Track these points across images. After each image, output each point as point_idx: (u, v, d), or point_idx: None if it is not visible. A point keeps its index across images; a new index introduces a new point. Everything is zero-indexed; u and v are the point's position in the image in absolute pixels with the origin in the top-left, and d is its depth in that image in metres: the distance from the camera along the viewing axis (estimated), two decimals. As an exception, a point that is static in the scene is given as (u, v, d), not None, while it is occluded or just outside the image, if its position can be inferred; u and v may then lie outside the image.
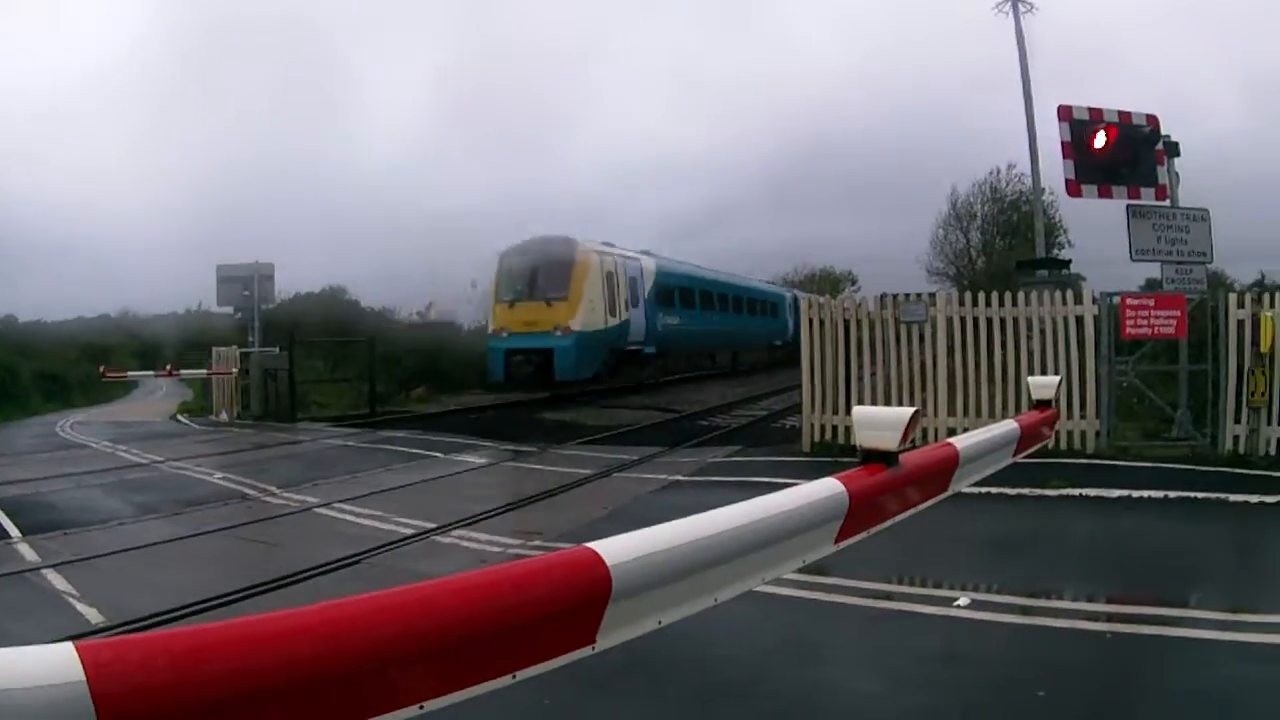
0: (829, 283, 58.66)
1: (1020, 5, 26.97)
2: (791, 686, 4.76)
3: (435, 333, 37.25)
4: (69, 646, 1.14)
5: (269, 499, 10.99)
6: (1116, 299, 11.90)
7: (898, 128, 72.31)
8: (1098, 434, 11.87)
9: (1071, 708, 4.44)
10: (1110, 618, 5.65)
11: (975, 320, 12.67)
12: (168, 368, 29.38)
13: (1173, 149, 12.49)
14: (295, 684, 1.31)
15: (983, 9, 28.87)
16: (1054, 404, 5.00)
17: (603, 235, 28.31)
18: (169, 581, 7.27)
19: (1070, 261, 19.40)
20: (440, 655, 1.52)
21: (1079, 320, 12.07)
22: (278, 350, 24.60)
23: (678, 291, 31.99)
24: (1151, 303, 11.75)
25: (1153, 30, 69.14)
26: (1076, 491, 9.38)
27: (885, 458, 2.77)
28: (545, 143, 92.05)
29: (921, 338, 12.99)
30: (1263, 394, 11.05)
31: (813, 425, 13.40)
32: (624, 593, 1.80)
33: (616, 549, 1.83)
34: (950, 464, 3.31)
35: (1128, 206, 12.26)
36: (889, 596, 6.20)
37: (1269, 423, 11.13)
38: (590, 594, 1.76)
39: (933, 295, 13.97)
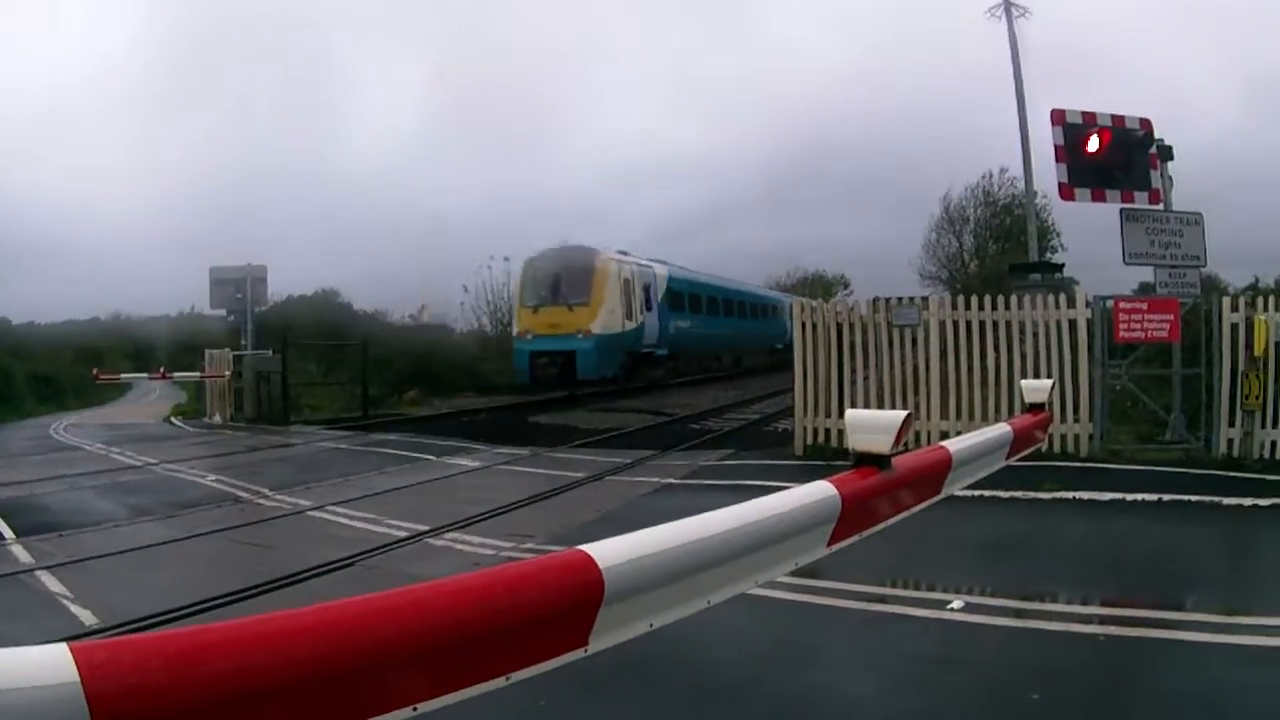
0: (821, 286, 58.71)
1: (1013, 9, 26.95)
2: (785, 689, 4.76)
3: (428, 335, 37.32)
4: (63, 647, 1.14)
5: (262, 501, 10.97)
6: (1110, 303, 11.93)
7: (891, 131, 72.49)
8: (1091, 437, 11.89)
9: (1065, 711, 4.45)
10: (1104, 620, 5.65)
11: (968, 324, 12.69)
12: (161, 370, 29.28)
13: (1166, 153, 12.54)
14: (289, 685, 1.31)
15: (976, 13, 28.89)
16: (1047, 407, 5.02)
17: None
18: (163, 583, 7.26)
19: (1063, 265, 19.53)
20: (433, 657, 1.52)
21: (1072, 324, 12.09)
22: (271, 353, 24.57)
23: (687, 297, 33.67)
24: (1145, 306, 11.78)
25: (1147, 34, 69.43)
26: (1070, 495, 9.39)
27: (878, 461, 2.78)
28: (538, 144, 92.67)
29: (914, 341, 13.01)
30: (1257, 397, 11.08)
31: (805, 429, 13.41)
32: (616, 595, 1.80)
33: (609, 551, 1.83)
34: (943, 467, 3.31)
35: (1121, 210, 12.30)
36: (882, 599, 6.20)
37: (1263, 426, 11.16)
38: (583, 596, 1.76)
39: (925, 299, 14.03)
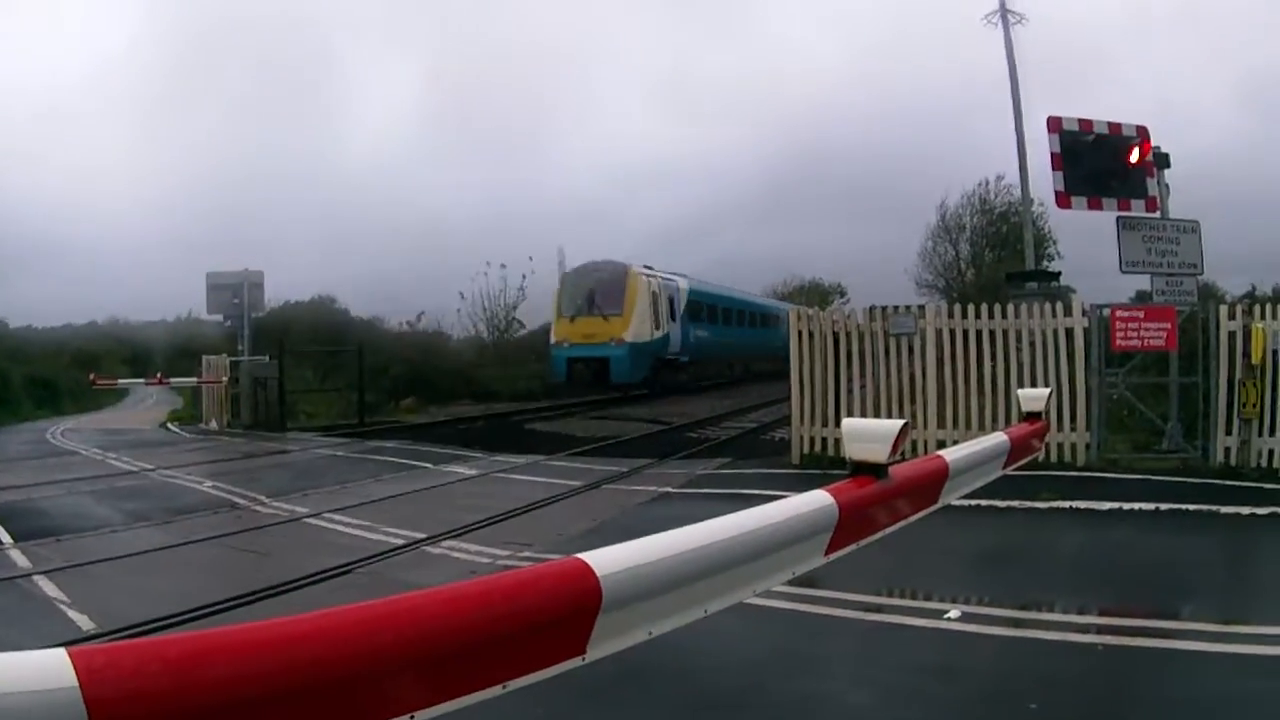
0: (818, 294, 58.68)
1: (1010, 16, 27.00)
2: (783, 698, 4.75)
3: (425, 342, 37.35)
4: (61, 652, 1.15)
5: (259, 508, 10.95)
6: (1106, 311, 11.95)
7: (888, 139, 72.34)
8: (1088, 446, 11.89)
9: (1062, 720, 4.45)
10: (1101, 630, 5.65)
11: (965, 332, 12.69)
12: (158, 375, 29.29)
13: (1163, 160, 12.55)
14: (288, 691, 1.31)
15: (973, 19, 28.93)
16: (1044, 416, 5.02)
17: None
18: (160, 589, 7.25)
19: (1060, 273, 19.52)
20: (431, 664, 1.52)
21: (1069, 332, 12.10)
22: (267, 359, 24.55)
23: (705, 308, 36.19)
24: (1142, 315, 11.79)
25: (1146, 41, 69.50)
26: (1067, 504, 9.39)
27: (875, 470, 2.78)
28: (535, 149, 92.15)
29: (911, 350, 13.01)
30: (1254, 405, 11.08)
31: (802, 437, 13.40)
32: (614, 603, 1.80)
33: (606, 560, 1.83)
34: (940, 476, 3.32)
35: (1118, 218, 12.32)
36: (879, 609, 6.20)
37: (1260, 434, 11.16)
38: (580, 604, 1.77)
39: (922, 308, 14.02)
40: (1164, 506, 9.13)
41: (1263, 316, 11.24)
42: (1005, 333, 12.50)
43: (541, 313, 44.58)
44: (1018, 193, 30.86)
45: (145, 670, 1.19)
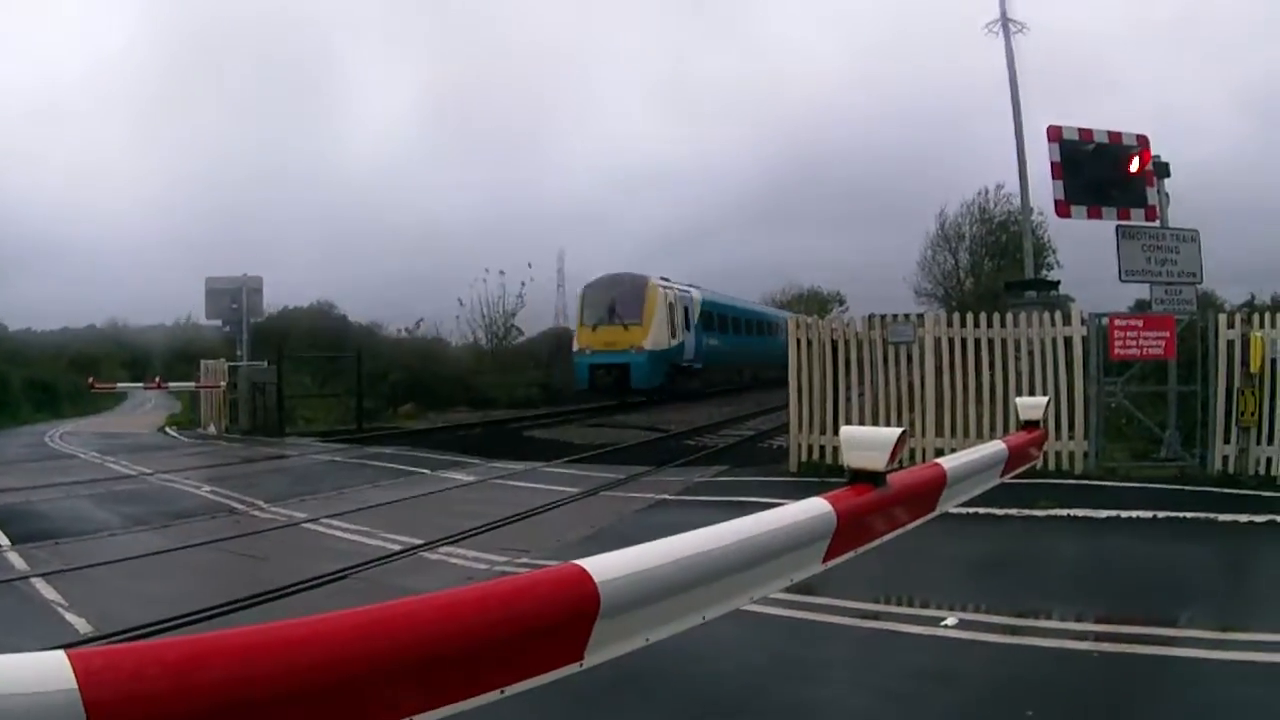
0: (816, 303, 58.69)
1: (1010, 26, 27.02)
2: (780, 705, 4.75)
3: (423, 348, 37.39)
4: (60, 654, 1.15)
5: (257, 513, 10.95)
6: (1105, 320, 11.96)
7: (887, 147, 72.36)
8: (1086, 454, 11.89)
9: (1058, 728, 4.45)
10: (1098, 637, 5.65)
11: (963, 341, 12.70)
12: (156, 380, 29.32)
13: (1162, 169, 12.56)
14: (286, 695, 1.32)
15: (974, 21, 29.00)
16: (1042, 425, 5.03)
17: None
18: (157, 593, 7.25)
19: (1059, 282, 19.57)
20: (428, 669, 1.52)
21: (1067, 341, 12.10)
22: (266, 364, 24.56)
23: (716, 317, 37.97)
24: (1140, 324, 11.80)
25: (1146, 50, 69.61)
26: (1064, 512, 9.39)
27: (873, 478, 2.78)
28: (532, 153, 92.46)
29: (909, 358, 13.01)
30: (1252, 414, 11.09)
31: (800, 445, 13.40)
32: (612, 609, 1.80)
33: (604, 566, 1.83)
34: (938, 484, 3.32)
35: (1117, 227, 12.33)
36: (877, 616, 6.20)
37: (1258, 442, 11.17)
38: (578, 610, 1.77)
39: (921, 316, 14.02)
40: (1162, 514, 9.13)
41: (1261, 325, 11.26)
42: (1004, 341, 12.50)
43: (541, 319, 45.36)
44: (1017, 202, 30.85)
45: (144, 673, 1.19)
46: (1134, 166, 12.30)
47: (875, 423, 12.34)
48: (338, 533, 9.61)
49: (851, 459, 2.83)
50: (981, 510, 8.16)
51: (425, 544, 8.80)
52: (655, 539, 2.05)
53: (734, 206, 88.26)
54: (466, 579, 7.19)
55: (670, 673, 4.82)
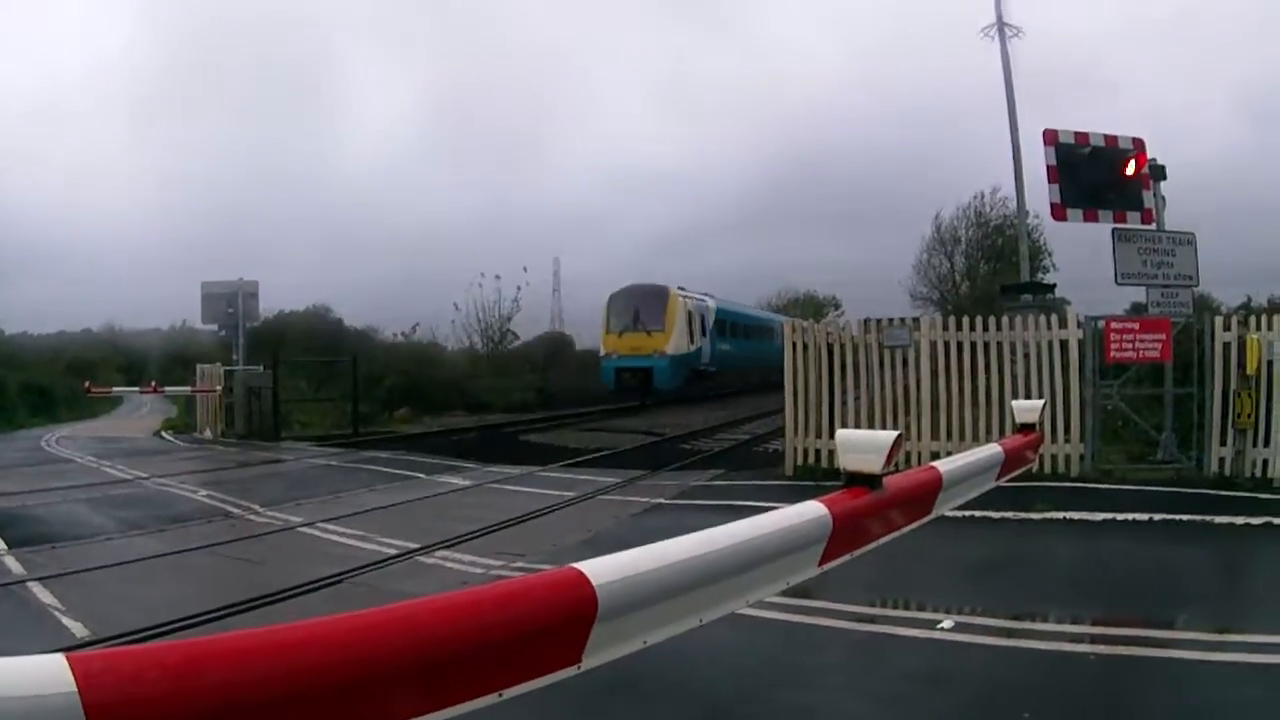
0: (812, 307, 58.71)
1: (1006, 30, 27.07)
2: (777, 708, 4.76)
3: (419, 352, 37.41)
4: (60, 657, 1.15)
5: (253, 517, 10.94)
6: (1101, 323, 11.97)
7: (886, 148, 72.57)
8: (1082, 457, 11.90)
9: (1055, 730, 4.46)
10: (1095, 640, 5.66)
11: (959, 344, 12.70)
12: (152, 384, 29.27)
13: (1159, 172, 12.58)
14: (285, 698, 1.32)
15: (971, 22, 29.04)
16: (1038, 428, 5.03)
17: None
18: (154, 597, 7.25)
19: (1055, 285, 19.54)
20: (425, 672, 1.52)
21: (1063, 344, 12.11)
22: (262, 369, 24.51)
23: (729, 324, 40.37)
24: (1136, 326, 11.81)
25: (1142, 54, 69.69)
26: (1060, 515, 9.40)
27: (869, 481, 2.78)
28: (532, 156, 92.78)
29: (905, 362, 13.02)
30: (1249, 416, 11.11)
31: (796, 449, 13.40)
32: (610, 612, 1.80)
33: (602, 569, 1.83)
34: (934, 487, 3.32)
35: (1113, 230, 12.34)
36: (873, 619, 6.20)
37: (1254, 445, 11.18)
38: (576, 613, 1.77)
39: (916, 320, 14.03)
40: (1158, 517, 9.14)
41: (1258, 327, 11.28)
42: (1000, 345, 12.50)
43: (537, 324, 45.96)
44: (1013, 205, 30.97)
45: (143, 676, 1.19)
46: (1130, 169, 12.32)
47: (871, 426, 12.36)
48: (334, 537, 9.60)
49: (847, 462, 2.83)
50: (978, 513, 8.16)
51: (421, 548, 8.80)
52: (652, 542, 2.05)
53: (733, 208, 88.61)
54: (462, 583, 7.19)
55: (668, 676, 4.83)
